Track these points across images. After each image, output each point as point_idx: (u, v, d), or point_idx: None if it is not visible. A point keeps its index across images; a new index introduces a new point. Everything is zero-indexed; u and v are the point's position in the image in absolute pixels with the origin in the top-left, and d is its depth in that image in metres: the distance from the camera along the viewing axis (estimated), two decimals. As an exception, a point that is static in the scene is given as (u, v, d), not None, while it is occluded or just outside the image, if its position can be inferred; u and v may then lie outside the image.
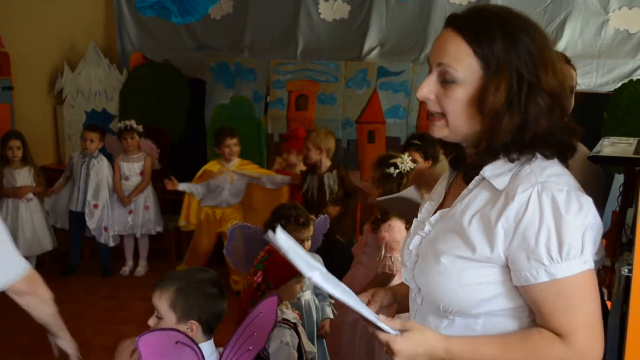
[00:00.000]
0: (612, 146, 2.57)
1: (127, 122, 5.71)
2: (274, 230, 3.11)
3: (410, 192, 3.20)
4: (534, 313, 1.38)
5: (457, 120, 1.42)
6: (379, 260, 3.35)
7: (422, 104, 5.45)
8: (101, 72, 6.64)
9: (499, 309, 1.40)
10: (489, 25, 1.38)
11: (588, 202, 1.34)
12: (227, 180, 5.40)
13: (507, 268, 1.37)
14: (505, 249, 1.35)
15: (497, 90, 1.36)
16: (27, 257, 5.39)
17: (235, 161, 5.43)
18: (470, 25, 1.39)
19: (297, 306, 3.12)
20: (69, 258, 5.80)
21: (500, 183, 1.39)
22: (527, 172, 1.38)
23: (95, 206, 5.70)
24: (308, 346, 2.77)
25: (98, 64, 6.61)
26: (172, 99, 6.53)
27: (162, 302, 2.10)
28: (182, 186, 5.40)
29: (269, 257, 2.72)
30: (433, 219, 1.52)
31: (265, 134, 6.05)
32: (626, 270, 1.31)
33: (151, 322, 2.14)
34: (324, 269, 1.42)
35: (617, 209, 2.49)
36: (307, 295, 3.19)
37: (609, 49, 5.34)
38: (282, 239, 1.36)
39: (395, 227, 3.40)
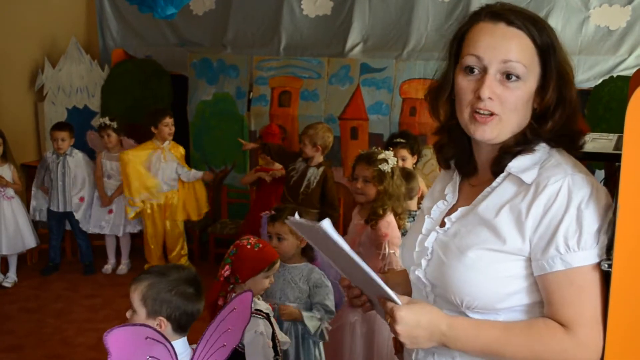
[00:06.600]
0: (592, 142, 2.60)
1: (102, 120, 5.69)
2: None
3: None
4: (544, 304, 1.40)
5: (512, 118, 1.43)
6: (382, 259, 3.33)
7: (405, 100, 5.52)
8: (82, 68, 6.58)
9: (520, 304, 1.42)
10: (539, 22, 1.43)
11: (609, 198, 1.37)
12: (160, 159, 5.48)
13: (530, 260, 1.39)
14: (530, 236, 1.37)
15: (551, 85, 1.41)
16: (9, 255, 5.40)
17: (168, 143, 5.53)
18: (526, 21, 1.42)
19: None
20: (50, 257, 5.76)
21: (528, 177, 1.41)
22: (554, 163, 1.42)
23: (82, 199, 5.68)
24: (281, 336, 2.81)
25: (79, 60, 6.55)
26: (154, 95, 6.48)
27: (135, 296, 2.13)
28: None
29: (237, 252, 2.77)
30: (454, 216, 1.52)
31: (248, 131, 6.04)
32: (606, 265, 1.33)
33: (128, 314, 2.18)
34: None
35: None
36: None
37: (589, 45, 5.39)
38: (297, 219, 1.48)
39: (393, 224, 3.40)
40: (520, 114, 1.43)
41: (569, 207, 1.34)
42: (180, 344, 2.11)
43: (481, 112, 1.42)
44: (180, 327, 2.15)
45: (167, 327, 2.10)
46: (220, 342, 2.13)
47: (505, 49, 1.40)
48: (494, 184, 1.47)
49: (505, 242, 1.39)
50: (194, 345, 2.15)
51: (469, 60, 1.43)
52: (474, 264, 1.42)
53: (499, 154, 1.48)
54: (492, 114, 1.42)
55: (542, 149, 1.45)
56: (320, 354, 3.23)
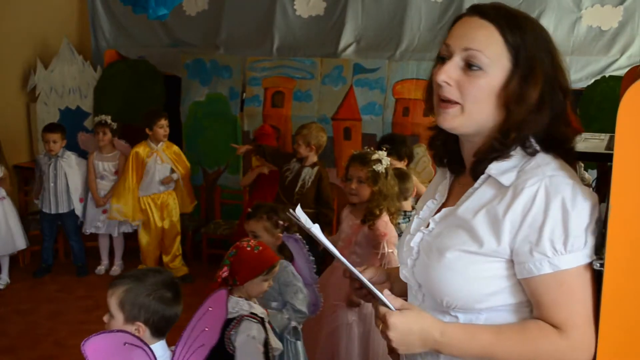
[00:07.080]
0: (584, 142, 2.61)
1: (103, 117, 5.66)
2: None
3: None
4: (533, 307, 1.39)
5: (475, 109, 1.42)
6: (380, 258, 3.33)
7: (398, 100, 5.53)
8: (75, 69, 6.56)
9: (502, 304, 1.42)
10: (518, 18, 1.41)
11: (593, 197, 1.36)
12: (156, 161, 5.48)
13: (511, 262, 1.38)
14: (510, 240, 1.36)
15: (532, 86, 1.39)
16: (1, 257, 5.37)
17: (162, 144, 5.53)
18: (501, 16, 1.41)
19: None
20: (42, 258, 5.74)
21: (506, 179, 1.40)
22: (533, 166, 1.40)
23: (81, 200, 5.67)
24: (275, 343, 2.75)
25: (72, 60, 6.54)
26: (147, 95, 6.46)
27: (112, 301, 2.11)
28: None
29: (236, 254, 2.73)
30: (437, 216, 1.52)
31: (242, 131, 6.03)
32: (598, 264, 1.33)
33: (105, 318, 2.15)
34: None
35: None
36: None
37: (582, 46, 5.42)
38: (299, 212, 1.46)
39: (390, 223, 3.40)
40: (484, 107, 1.41)
41: (549, 209, 1.33)
42: (159, 347, 2.09)
43: (445, 98, 1.43)
44: (159, 332, 2.12)
45: (145, 332, 2.08)
46: (199, 342, 2.12)
47: (470, 38, 1.40)
48: (476, 185, 1.47)
49: (482, 245, 1.39)
50: (173, 347, 2.14)
51: (442, 50, 1.45)
52: (452, 265, 1.42)
53: (475, 160, 1.48)
54: (456, 102, 1.42)
55: (518, 153, 1.43)
56: (296, 351, 3.18)
